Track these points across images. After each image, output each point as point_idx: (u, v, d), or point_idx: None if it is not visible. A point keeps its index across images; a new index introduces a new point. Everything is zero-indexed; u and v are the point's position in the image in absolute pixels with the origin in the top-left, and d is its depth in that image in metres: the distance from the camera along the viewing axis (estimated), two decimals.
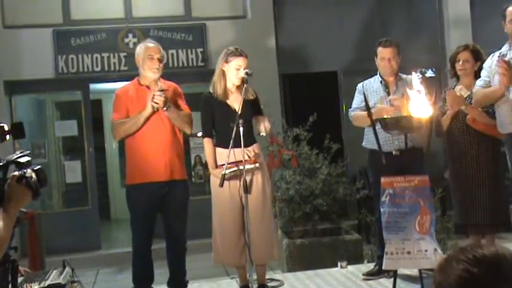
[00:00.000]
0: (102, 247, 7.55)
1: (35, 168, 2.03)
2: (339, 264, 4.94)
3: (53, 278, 3.54)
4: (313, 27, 8.06)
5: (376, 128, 4.16)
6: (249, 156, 4.05)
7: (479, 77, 4.39)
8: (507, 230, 4.61)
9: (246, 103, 4.13)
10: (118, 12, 7.70)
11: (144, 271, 4.30)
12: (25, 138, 2.10)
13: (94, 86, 7.83)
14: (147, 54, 4.24)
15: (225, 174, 3.92)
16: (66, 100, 8.67)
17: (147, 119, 4.17)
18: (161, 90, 4.12)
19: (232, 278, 4.87)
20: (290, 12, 8.09)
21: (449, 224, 5.18)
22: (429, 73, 8.28)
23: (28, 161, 2.04)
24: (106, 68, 7.51)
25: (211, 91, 4.22)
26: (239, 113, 3.94)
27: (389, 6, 8.34)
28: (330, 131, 5.81)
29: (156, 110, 4.15)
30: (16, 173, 1.98)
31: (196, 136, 7.13)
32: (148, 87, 4.27)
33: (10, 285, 2.14)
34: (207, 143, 4.21)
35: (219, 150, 4.16)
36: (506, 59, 4.12)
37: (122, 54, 7.50)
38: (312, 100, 7.44)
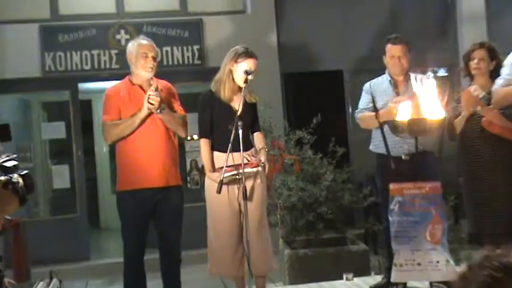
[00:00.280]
0: (92, 257, 7.54)
1: (22, 173, 2.03)
2: (344, 276, 4.94)
3: None
4: (318, 23, 8.06)
5: (384, 130, 4.16)
6: (248, 160, 4.04)
7: (495, 77, 4.39)
8: None
9: (247, 106, 4.15)
10: (109, 6, 7.71)
11: (136, 283, 4.29)
12: (11, 141, 2.11)
13: (83, 86, 7.84)
14: (141, 52, 4.25)
15: (222, 179, 3.92)
16: (54, 100, 8.68)
17: (143, 121, 4.18)
18: (156, 90, 4.13)
19: None
20: (293, 7, 8.11)
21: (462, 233, 5.18)
22: (441, 72, 8.29)
23: (15, 165, 2.05)
24: (96, 66, 7.52)
25: (212, 89, 4.23)
26: (238, 114, 3.95)
27: (398, 1, 8.36)
28: (335, 134, 5.83)
29: (150, 111, 4.16)
30: (2, 178, 1.98)
31: (192, 139, 7.19)
32: (141, 86, 4.28)
33: None
34: (204, 144, 4.21)
35: (216, 153, 4.17)
36: None
37: (113, 52, 7.51)
38: (316, 101, 7.45)
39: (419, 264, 3.83)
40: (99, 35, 7.53)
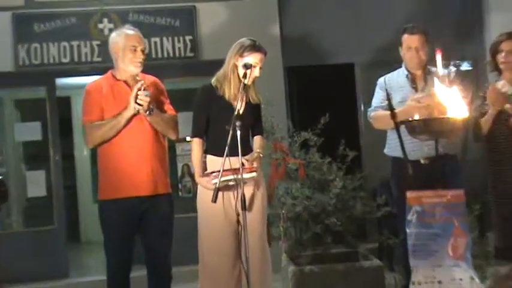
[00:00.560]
0: (71, 274, 7.52)
1: None
2: None
3: None
4: (326, 11, 8.07)
5: (401, 131, 4.16)
6: (242, 164, 3.99)
7: None
8: None
9: (250, 106, 4.17)
10: None
11: None
12: None
13: (61, 81, 7.83)
14: (129, 45, 4.25)
15: (218, 186, 3.89)
16: (28, 98, 8.68)
17: (129, 121, 4.17)
18: (145, 89, 4.12)
19: None
20: None
21: (488, 247, 5.17)
22: (465, 66, 8.29)
23: None
24: (76, 59, 7.52)
25: (213, 84, 4.22)
26: (236, 113, 3.93)
27: None
28: (345, 135, 5.81)
29: (137, 112, 4.15)
30: None
31: (185, 141, 7.18)
32: (126, 82, 4.28)
33: None
34: (197, 144, 4.19)
35: (210, 157, 4.16)
36: None
37: (95, 43, 7.51)
38: (323, 98, 7.44)
39: (440, 282, 3.82)
40: (80, 24, 7.53)
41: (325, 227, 5.53)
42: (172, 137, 4.39)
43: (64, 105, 9.02)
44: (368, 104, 4.89)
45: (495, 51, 4.66)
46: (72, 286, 7.23)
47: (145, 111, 4.13)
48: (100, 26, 7.56)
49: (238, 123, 3.87)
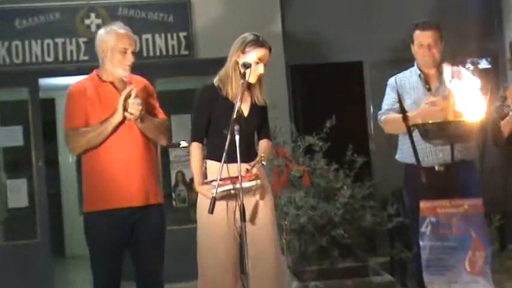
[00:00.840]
0: None
1: None
2: None
3: None
4: (332, 7, 8.07)
5: (414, 136, 4.16)
6: (247, 170, 4.00)
7: None
8: None
9: (255, 108, 4.18)
10: None
11: None
12: None
13: (45, 81, 7.84)
14: (120, 47, 4.21)
15: (215, 196, 3.89)
16: (9, 100, 8.65)
17: (116, 127, 4.16)
18: (137, 96, 4.10)
19: None
20: None
21: (510, 260, 5.18)
22: (483, 64, 8.30)
23: None
24: (61, 58, 7.53)
25: (215, 84, 4.22)
26: (234, 116, 3.92)
27: None
28: (353, 139, 5.83)
29: (127, 120, 4.14)
30: None
31: (178, 146, 7.19)
32: (112, 83, 4.25)
33: None
34: (196, 149, 4.18)
35: (210, 162, 4.16)
36: None
37: (81, 40, 7.52)
38: (329, 99, 7.46)
39: None
40: (65, 20, 7.54)
41: (331, 240, 5.53)
42: (163, 142, 4.38)
43: (48, 107, 9.01)
44: (378, 105, 4.88)
45: None
46: None
47: (137, 120, 4.12)
48: (87, 21, 7.56)
49: (236, 127, 3.86)
